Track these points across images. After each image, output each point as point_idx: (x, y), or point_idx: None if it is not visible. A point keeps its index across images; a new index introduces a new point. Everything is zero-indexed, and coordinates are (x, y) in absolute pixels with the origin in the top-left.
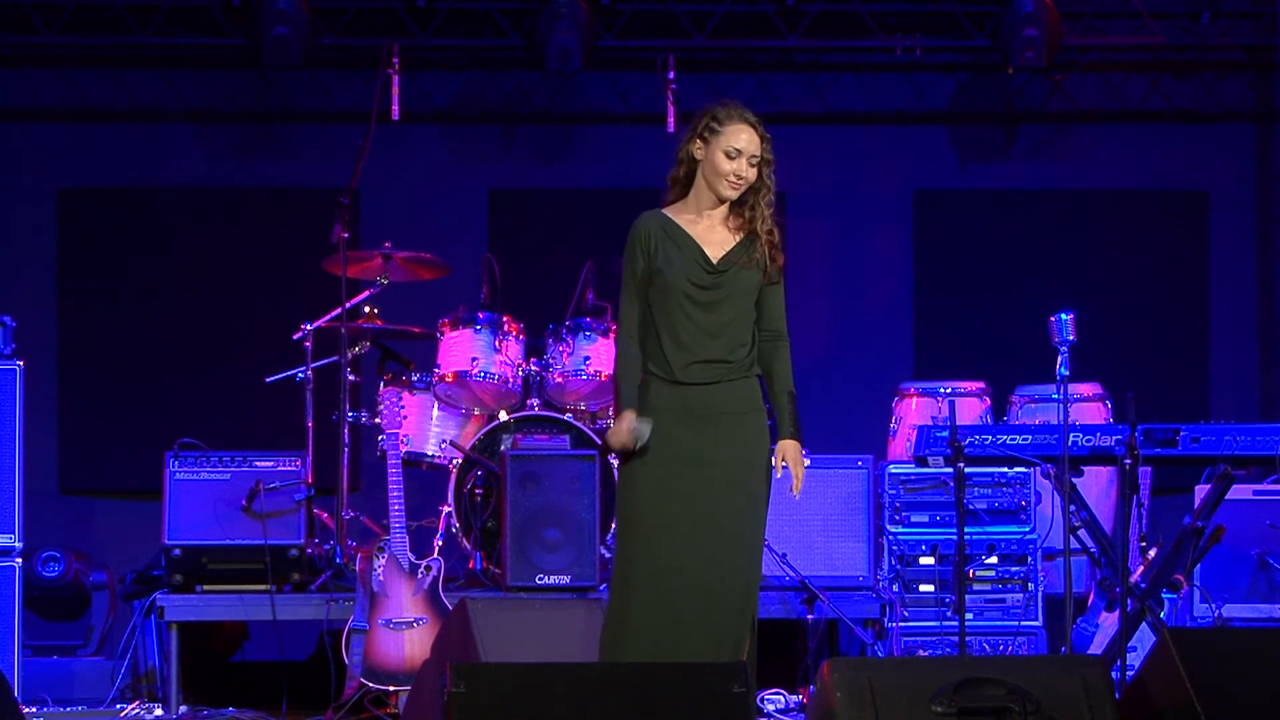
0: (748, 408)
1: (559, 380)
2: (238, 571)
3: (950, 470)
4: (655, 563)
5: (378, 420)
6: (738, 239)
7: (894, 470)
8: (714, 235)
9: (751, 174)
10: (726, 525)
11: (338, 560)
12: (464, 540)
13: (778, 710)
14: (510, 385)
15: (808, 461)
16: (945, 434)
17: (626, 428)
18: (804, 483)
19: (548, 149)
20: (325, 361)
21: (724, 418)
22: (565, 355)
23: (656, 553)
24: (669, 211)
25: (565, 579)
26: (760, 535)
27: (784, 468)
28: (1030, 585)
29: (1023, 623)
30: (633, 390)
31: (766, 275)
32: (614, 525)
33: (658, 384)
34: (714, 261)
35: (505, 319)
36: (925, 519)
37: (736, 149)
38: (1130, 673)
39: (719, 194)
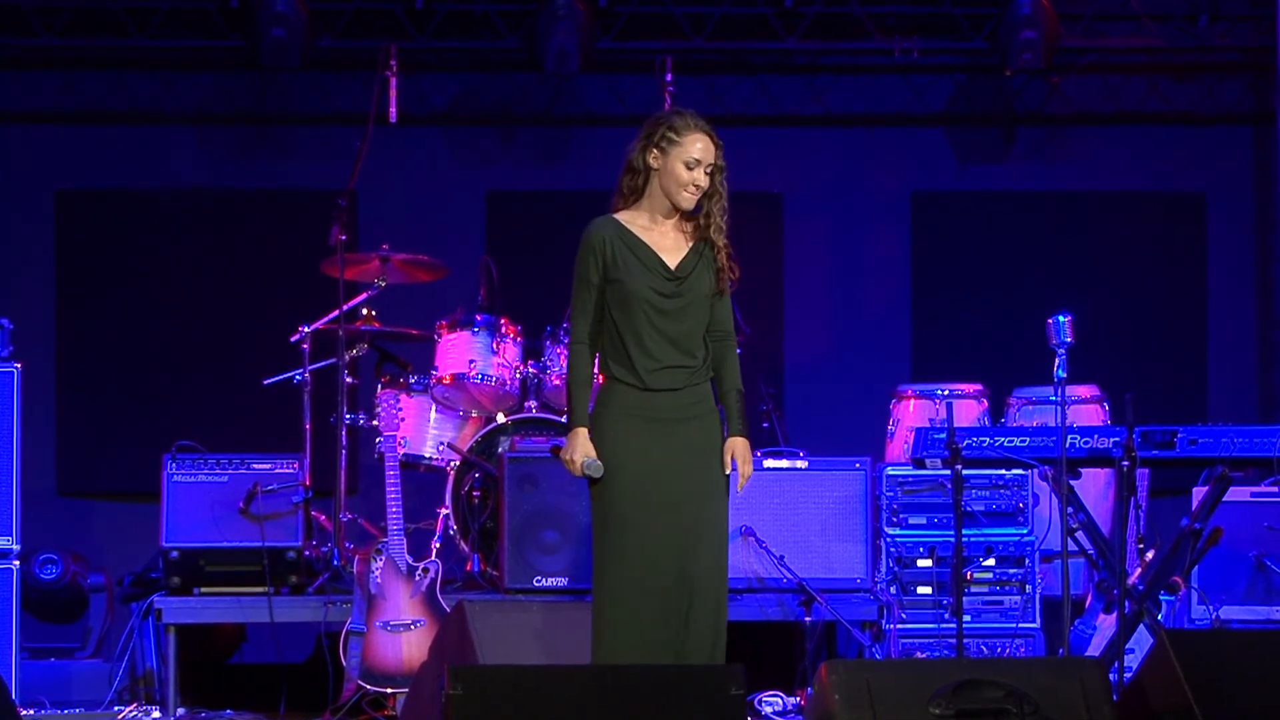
0: (706, 410)
1: (557, 382)
2: (235, 574)
3: (948, 472)
4: (635, 567)
5: (375, 422)
6: (690, 245)
7: (891, 472)
8: (668, 241)
9: (707, 182)
10: (698, 526)
11: (335, 562)
12: (462, 542)
13: (775, 712)
14: (508, 387)
15: (805, 465)
16: (943, 436)
17: (579, 460)
18: (802, 484)
19: (546, 151)
20: (323, 364)
21: (688, 421)
22: (563, 358)
23: (635, 557)
24: (622, 218)
25: (563, 581)
26: (725, 535)
27: (733, 464)
28: (1028, 587)
29: (1020, 625)
30: (584, 406)
31: (719, 285)
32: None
33: (624, 390)
34: (673, 269)
35: (503, 321)
36: (923, 521)
37: (695, 159)
38: (1128, 675)
39: (677, 204)
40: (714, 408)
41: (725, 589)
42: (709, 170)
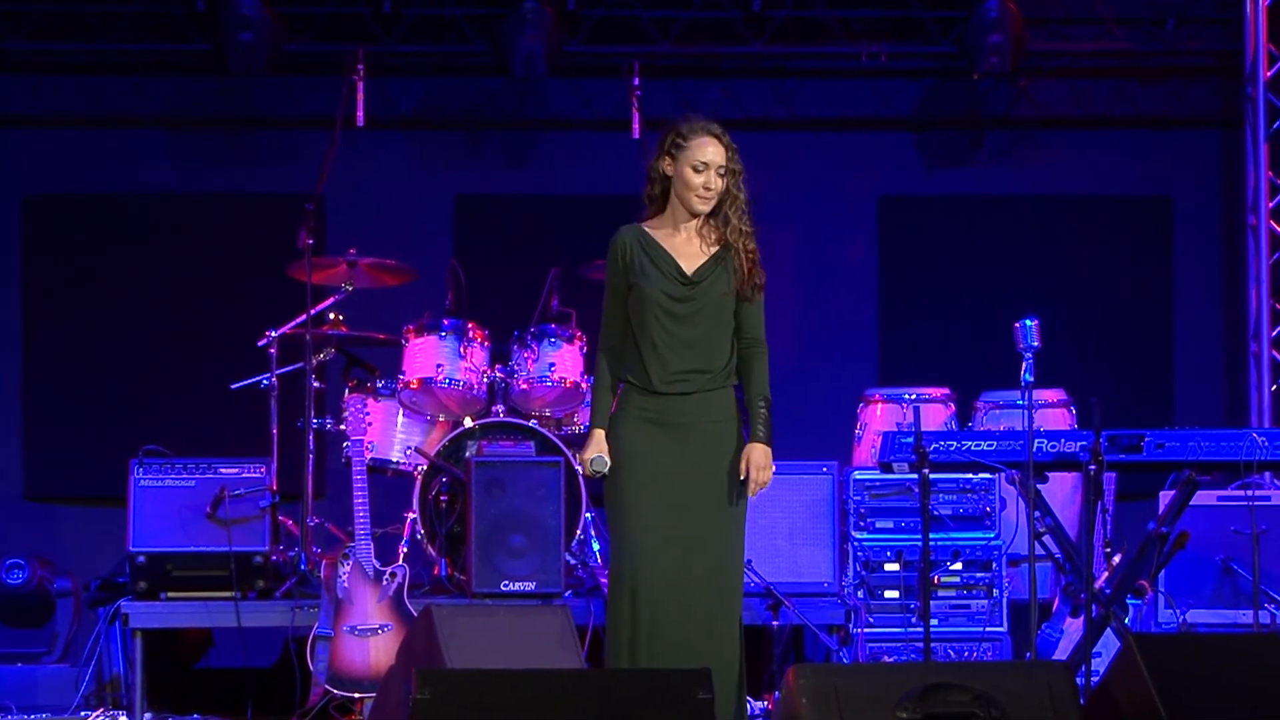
0: (723, 417)
1: (524, 387)
2: (202, 578)
3: (915, 476)
4: (640, 571)
5: (343, 427)
6: (713, 251)
7: (859, 476)
8: (689, 248)
9: (720, 184)
10: (703, 535)
11: (302, 567)
12: (429, 547)
13: None
14: (475, 392)
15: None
16: (910, 440)
17: (588, 457)
18: (769, 489)
19: (513, 155)
20: (290, 368)
21: (699, 427)
22: (530, 361)
23: (641, 561)
24: (647, 226)
25: (530, 585)
26: (739, 544)
27: (748, 470)
28: (995, 591)
29: (987, 628)
30: (603, 410)
31: (743, 292)
32: (578, 533)
33: (636, 394)
34: (688, 274)
35: (470, 325)
36: (890, 525)
37: (703, 162)
38: (1095, 678)
39: (691, 208)
40: (735, 416)
41: (730, 598)
42: (721, 173)
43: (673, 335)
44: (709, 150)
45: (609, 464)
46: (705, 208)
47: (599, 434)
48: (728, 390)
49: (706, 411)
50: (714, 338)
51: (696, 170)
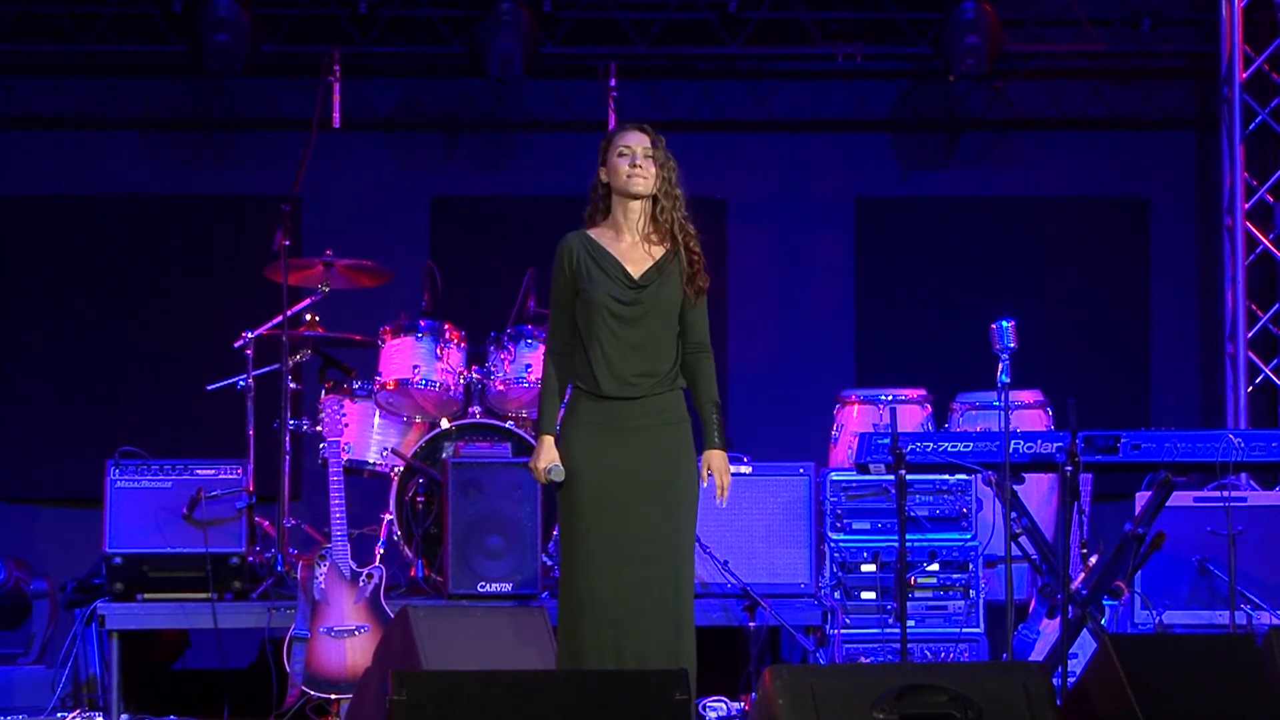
0: (671, 419)
1: (501, 388)
2: (179, 580)
3: (892, 477)
4: (594, 574)
5: (319, 428)
6: (658, 256)
7: (836, 477)
8: (635, 253)
9: (650, 167)
10: (655, 536)
11: (279, 568)
12: (405, 548)
13: (720, 718)
14: (452, 393)
15: (749, 470)
16: (887, 441)
17: (542, 466)
18: (746, 490)
19: (490, 156)
20: (267, 369)
21: (648, 430)
22: (507, 363)
23: (595, 564)
24: (592, 232)
25: (507, 586)
26: (689, 543)
27: (710, 476)
28: (972, 592)
29: (964, 629)
30: (552, 414)
31: (688, 295)
32: (554, 534)
33: (584, 398)
34: (635, 278)
35: (447, 326)
36: (867, 526)
37: (627, 146)
38: (1072, 679)
39: (626, 190)
40: (684, 416)
41: (684, 596)
42: (647, 154)
43: (620, 339)
44: (629, 136)
45: (564, 471)
46: (641, 187)
47: (549, 440)
48: (676, 393)
49: (656, 415)
50: (661, 341)
51: (622, 155)
